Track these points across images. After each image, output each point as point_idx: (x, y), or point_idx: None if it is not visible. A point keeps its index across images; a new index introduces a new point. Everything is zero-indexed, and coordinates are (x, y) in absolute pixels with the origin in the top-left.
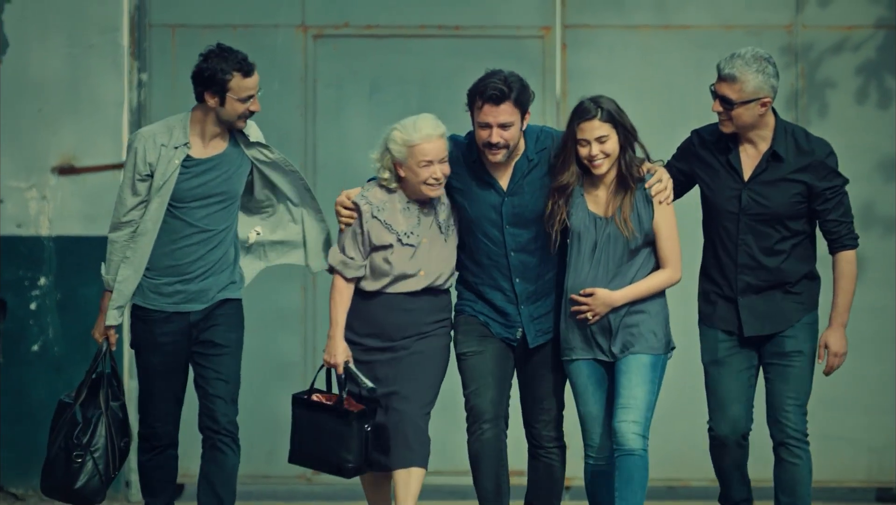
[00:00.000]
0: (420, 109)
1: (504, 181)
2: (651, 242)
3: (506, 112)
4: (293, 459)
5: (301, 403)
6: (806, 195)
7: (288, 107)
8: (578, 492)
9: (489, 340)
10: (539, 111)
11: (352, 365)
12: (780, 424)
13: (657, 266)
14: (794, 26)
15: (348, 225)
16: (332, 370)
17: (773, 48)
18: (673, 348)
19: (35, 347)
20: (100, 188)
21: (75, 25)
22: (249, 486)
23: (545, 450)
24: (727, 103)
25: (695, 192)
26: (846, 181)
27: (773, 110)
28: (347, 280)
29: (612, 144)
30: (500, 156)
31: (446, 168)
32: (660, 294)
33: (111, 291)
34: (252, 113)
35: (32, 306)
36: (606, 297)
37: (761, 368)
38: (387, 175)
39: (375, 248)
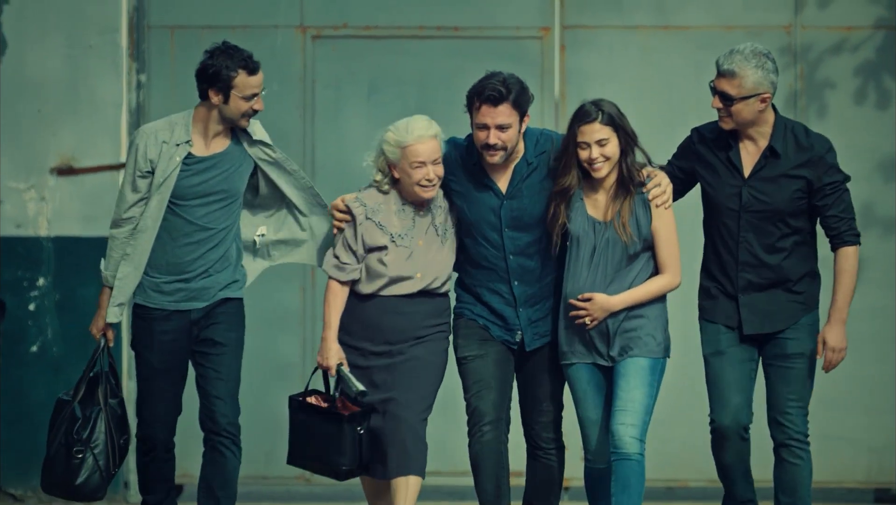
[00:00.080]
0: (419, 110)
1: (503, 184)
2: (650, 247)
3: (504, 114)
4: (291, 460)
5: (296, 405)
6: (806, 191)
7: (286, 107)
8: (577, 492)
9: (490, 343)
10: (538, 112)
11: (344, 368)
12: (781, 426)
13: (656, 271)
14: (793, 27)
15: (341, 230)
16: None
17: (773, 49)
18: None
19: (34, 348)
20: (99, 189)
21: (74, 26)
22: (248, 486)
23: (544, 451)
24: (726, 99)
25: (693, 194)
26: (847, 178)
27: (774, 107)
28: (342, 283)
29: (613, 148)
30: (497, 157)
31: (440, 169)
32: (659, 299)
33: (109, 288)
34: (255, 112)
35: (31, 307)
36: (605, 302)
37: (762, 368)
38: (379, 177)
39: (370, 250)
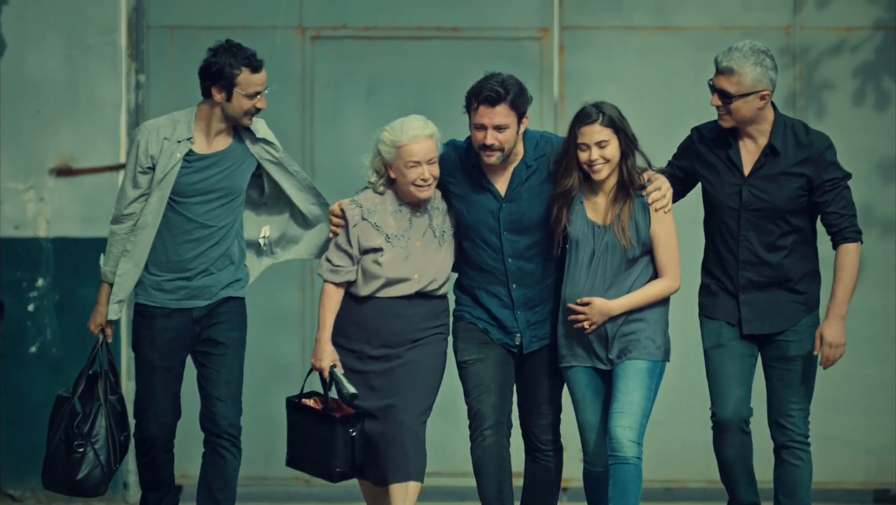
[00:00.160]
0: (417, 111)
1: (502, 187)
2: (649, 251)
3: (501, 114)
4: (290, 462)
5: (292, 406)
6: (806, 189)
7: (285, 108)
8: (575, 493)
9: (490, 346)
10: (536, 113)
11: (337, 370)
12: (783, 428)
13: (656, 275)
14: (792, 27)
15: (335, 234)
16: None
17: (772, 49)
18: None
19: (33, 349)
20: (98, 190)
21: (73, 27)
22: (247, 487)
23: (542, 452)
24: (725, 97)
25: (693, 194)
26: (847, 175)
27: (774, 105)
28: (336, 285)
29: (613, 150)
30: (494, 158)
31: (435, 169)
32: (660, 302)
33: (108, 284)
34: (258, 110)
35: (30, 308)
36: (603, 306)
37: (762, 369)
38: (374, 178)
39: (366, 251)
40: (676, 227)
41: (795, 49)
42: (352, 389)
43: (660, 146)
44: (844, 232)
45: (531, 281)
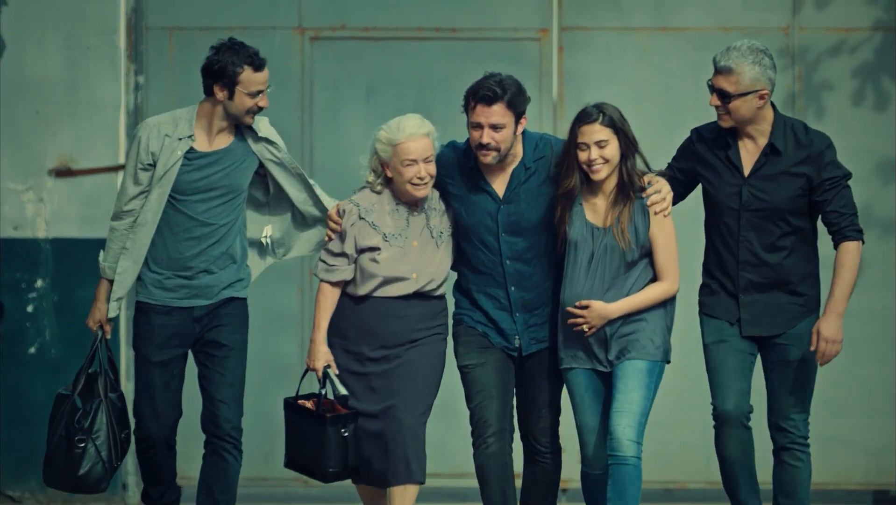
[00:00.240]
0: (417, 112)
1: (500, 188)
2: (648, 254)
3: (498, 113)
4: (287, 463)
5: (289, 407)
6: (807, 189)
7: (285, 109)
8: (574, 494)
9: (490, 350)
10: (535, 114)
11: (330, 370)
12: (784, 431)
13: (655, 278)
14: (792, 28)
15: (330, 238)
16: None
17: (771, 50)
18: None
19: (32, 350)
20: (97, 190)
21: (72, 27)
22: (247, 488)
23: (541, 455)
24: (724, 96)
25: (692, 196)
26: (848, 174)
27: (773, 105)
28: (332, 284)
29: (612, 150)
30: (490, 157)
31: (432, 168)
32: (661, 303)
33: (107, 280)
34: (260, 109)
35: (29, 308)
36: (602, 309)
37: (762, 372)
38: (372, 177)
39: (363, 250)
40: (676, 228)
41: (794, 50)
42: (343, 391)
43: (659, 147)
44: (845, 230)
45: (530, 283)
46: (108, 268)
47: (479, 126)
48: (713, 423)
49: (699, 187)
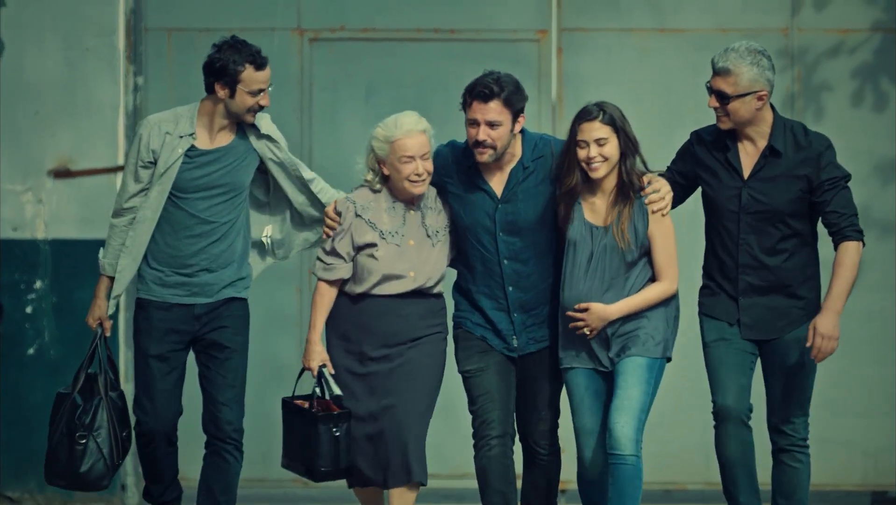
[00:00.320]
0: (416, 112)
1: (498, 188)
2: (647, 253)
3: (494, 110)
4: (283, 463)
5: (285, 406)
6: (807, 190)
7: (284, 110)
8: (574, 495)
9: (489, 354)
10: (534, 114)
11: (326, 370)
12: (783, 433)
13: (654, 277)
14: (790, 29)
15: (328, 235)
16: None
17: (770, 51)
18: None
19: (31, 351)
20: (96, 191)
21: (71, 28)
22: (245, 489)
23: (541, 456)
24: (723, 98)
25: (691, 200)
26: (847, 176)
27: (773, 107)
28: (329, 283)
29: (611, 149)
30: (486, 156)
31: (429, 165)
32: (663, 304)
33: (107, 277)
34: (261, 107)
35: (28, 309)
36: (601, 311)
37: (762, 375)
38: (370, 176)
39: (360, 248)
40: (675, 230)
41: (794, 51)
42: (337, 391)
43: (659, 148)
44: (845, 230)
45: (527, 284)
46: (107, 265)
47: (476, 123)
48: (713, 421)
49: (698, 191)
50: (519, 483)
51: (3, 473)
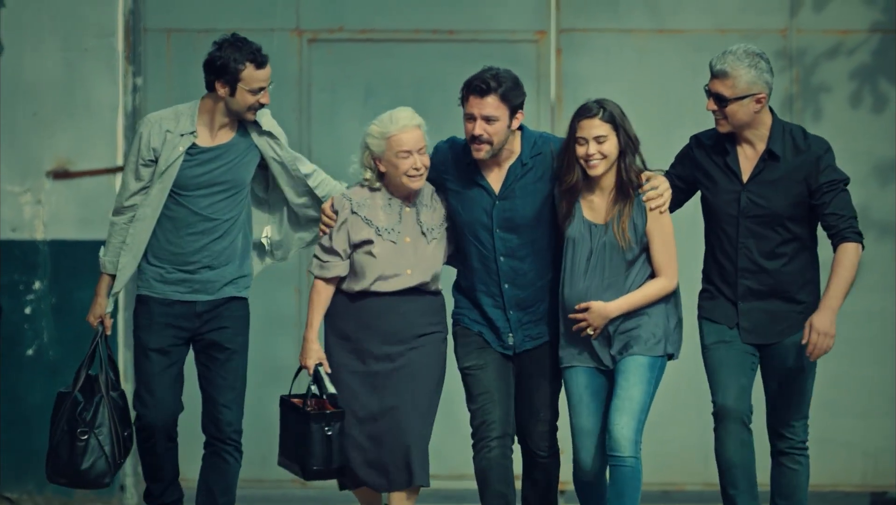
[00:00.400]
0: None
1: (496, 184)
2: (647, 250)
3: (490, 105)
4: (279, 461)
5: (282, 403)
6: (806, 194)
7: (282, 111)
8: (573, 496)
9: (487, 351)
10: (533, 115)
11: (322, 368)
12: (783, 437)
13: (654, 274)
14: (789, 30)
15: (324, 233)
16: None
17: (768, 52)
18: (673, 356)
19: (30, 351)
20: (95, 192)
21: (70, 29)
22: (244, 490)
23: (539, 458)
24: (721, 101)
25: (690, 205)
26: (846, 179)
27: (772, 110)
28: (326, 281)
29: (611, 146)
30: (483, 152)
31: (426, 159)
32: (664, 300)
33: (108, 275)
34: (262, 105)
35: (27, 310)
36: (602, 309)
37: (761, 379)
38: (369, 174)
39: (356, 246)
40: (675, 232)
41: (792, 52)
42: (332, 389)
43: (658, 148)
44: (844, 232)
45: (524, 281)
46: (108, 263)
47: (473, 118)
48: (713, 422)
49: (698, 194)
50: (518, 484)
51: (2, 474)
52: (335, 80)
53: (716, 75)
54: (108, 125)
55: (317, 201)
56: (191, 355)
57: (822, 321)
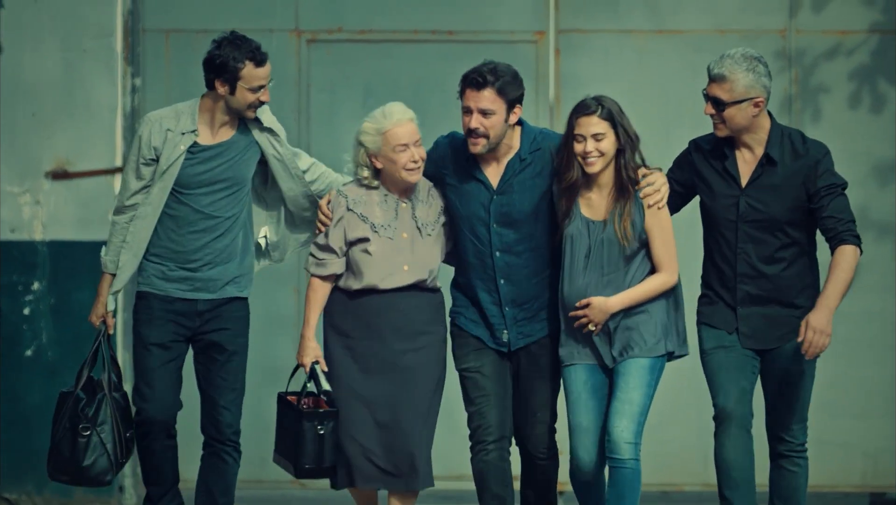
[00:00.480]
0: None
1: (494, 179)
2: (646, 245)
3: (487, 99)
4: (273, 458)
5: (279, 400)
6: (805, 198)
7: (281, 111)
8: (571, 497)
9: (484, 352)
10: (532, 116)
11: (318, 366)
12: (783, 440)
13: (654, 269)
14: (788, 31)
15: (320, 231)
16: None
17: (767, 53)
18: (681, 355)
19: (29, 352)
20: (93, 193)
21: (69, 30)
22: (242, 490)
23: (539, 460)
24: (719, 105)
25: (689, 209)
26: (844, 184)
27: (770, 114)
28: (322, 278)
29: (608, 144)
30: (479, 146)
31: (422, 151)
32: (664, 296)
33: (109, 274)
34: (262, 103)
35: (26, 311)
36: (602, 304)
37: (761, 383)
38: (366, 173)
39: (352, 243)
40: (678, 236)
41: (791, 52)
42: (326, 387)
43: (657, 149)
44: (842, 235)
45: (519, 277)
46: (109, 262)
47: (469, 111)
48: (714, 425)
49: (695, 201)
50: (517, 485)
51: (0, 475)
52: (334, 81)
53: (713, 79)
54: (106, 126)
55: (314, 204)
56: (189, 356)
57: (818, 319)
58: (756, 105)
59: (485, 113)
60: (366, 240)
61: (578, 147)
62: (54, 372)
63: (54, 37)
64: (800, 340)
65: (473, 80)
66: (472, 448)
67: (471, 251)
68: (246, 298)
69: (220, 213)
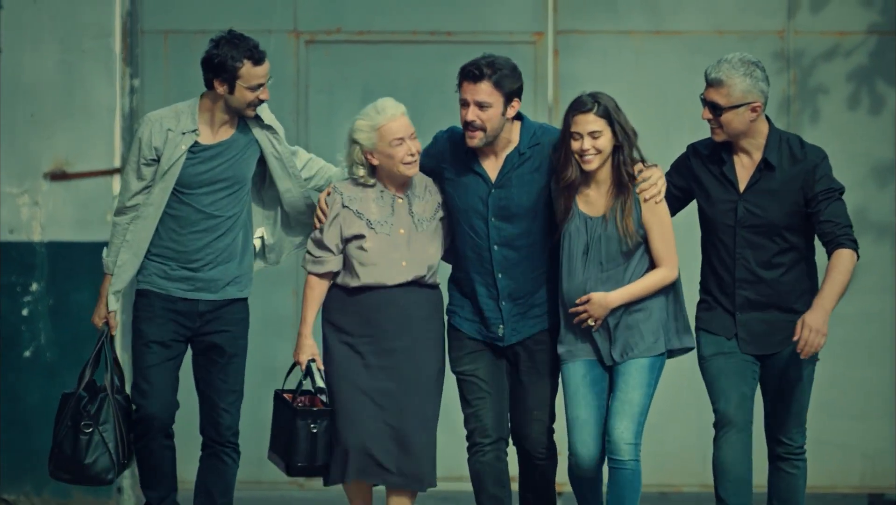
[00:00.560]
0: (412, 115)
1: (493, 173)
2: (645, 241)
3: (484, 92)
4: (268, 455)
5: (275, 397)
6: (802, 203)
7: (280, 112)
8: (570, 498)
9: (480, 353)
10: (531, 117)
11: (314, 364)
12: (782, 443)
13: (653, 265)
14: (787, 32)
15: (316, 227)
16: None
17: (766, 53)
18: (687, 348)
19: (27, 353)
20: (92, 194)
21: (68, 31)
22: (241, 491)
23: (537, 460)
24: (716, 109)
25: (688, 213)
26: (841, 189)
27: (769, 119)
28: (319, 276)
29: (605, 141)
30: (476, 139)
31: (418, 144)
32: (661, 292)
33: (111, 275)
34: (262, 101)
35: (24, 312)
36: (602, 299)
37: (760, 388)
38: (362, 171)
39: (348, 240)
40: (678, 235)
41: (790, 53)
42: (321, 384)
43: (655, 150)
44: (839, 238)
45: (517, 272)
46: (110, 263)
47: (466, 103)
48: (714, 430)
49: (694, 204)
50: (515, 485)
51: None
52: (333, 82)
53: (711, 84)
54: (105, 127)
55: (310, 207)
56: (187, 357)
57: (814, 319)
58: (753, 110)
59: (481, 106)
60: (361, 237)
61: (575, 145)
62: (53, 373)
63: (53, 38)
64: (795, 338)
65: (470, 73)
66: (468, 449)
67: (469, 245)
68: (246, 299)
69: (221, 212)
